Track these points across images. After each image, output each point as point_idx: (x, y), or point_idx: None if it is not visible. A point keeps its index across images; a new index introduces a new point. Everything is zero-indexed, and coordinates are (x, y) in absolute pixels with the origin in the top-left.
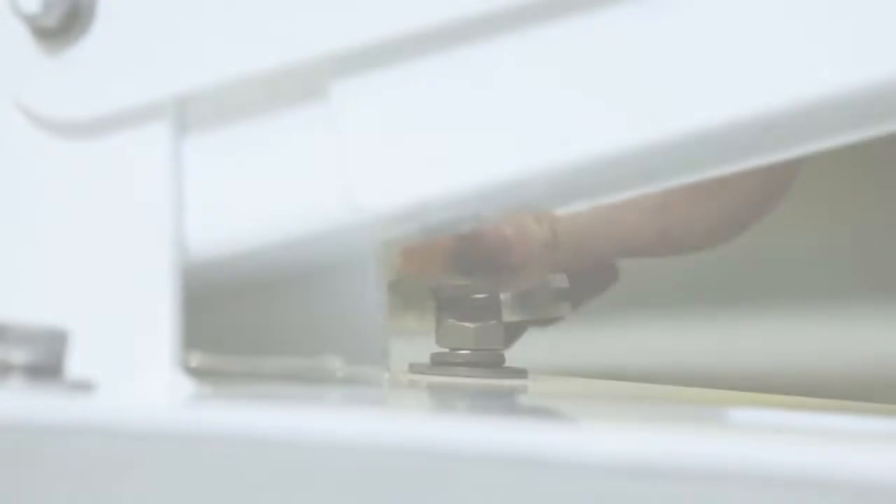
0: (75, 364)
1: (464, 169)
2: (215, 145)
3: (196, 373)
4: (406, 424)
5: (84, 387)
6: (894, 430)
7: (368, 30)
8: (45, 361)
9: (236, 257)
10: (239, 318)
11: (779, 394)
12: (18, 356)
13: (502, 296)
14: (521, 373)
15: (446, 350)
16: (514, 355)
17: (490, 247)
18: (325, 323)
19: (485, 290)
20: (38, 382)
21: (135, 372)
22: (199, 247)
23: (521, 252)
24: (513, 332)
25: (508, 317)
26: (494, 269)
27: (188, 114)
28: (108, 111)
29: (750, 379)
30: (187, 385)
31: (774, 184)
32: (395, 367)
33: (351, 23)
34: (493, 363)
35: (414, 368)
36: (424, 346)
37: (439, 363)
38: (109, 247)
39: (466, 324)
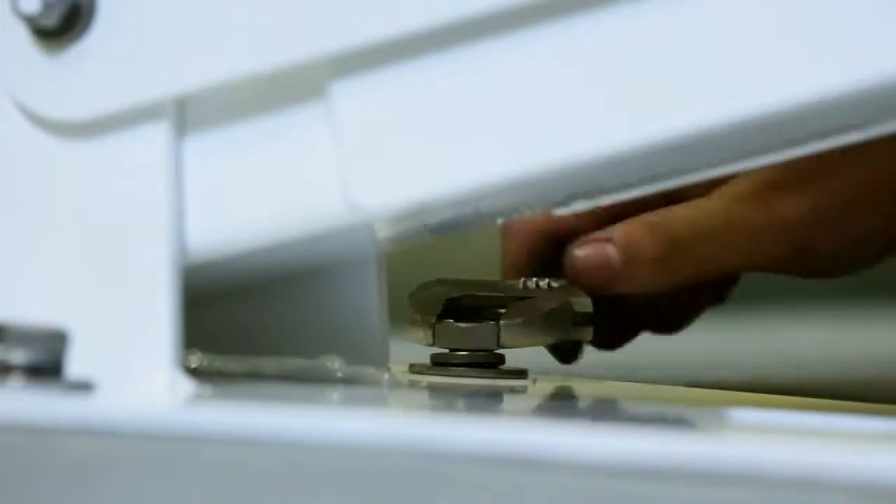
0: (75, 364)
1: (463, 169)
2: (215, 145)
3: (196, 373)
4: (406, 424)
5: (84, 387)
6: (894, 430)
7: (368, 30)
8: (45, 361)
9: (236, 257)
10: (239, 318)
11: (779, 394)
12: (18, 356)
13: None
14: (520, 373)
15: (446, 350)
16: (514, 355)
17: (591, 275)
18: (325, 323)
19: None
20: (38, 382)
21: (135, 372)
22: (198, 247)
23: (627, 283)
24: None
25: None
26: (596, 291)
27: (188, 114)
28: (108, 111)
29: (750, 379)
30: (187, 385)
31: None
32: (395, 367)
33: (351, 23)
34: (492, 363)
35: (414, 368)
36: (424, 346)
37: (439, 363)
38: (109, 247)
39: (465, 324)
